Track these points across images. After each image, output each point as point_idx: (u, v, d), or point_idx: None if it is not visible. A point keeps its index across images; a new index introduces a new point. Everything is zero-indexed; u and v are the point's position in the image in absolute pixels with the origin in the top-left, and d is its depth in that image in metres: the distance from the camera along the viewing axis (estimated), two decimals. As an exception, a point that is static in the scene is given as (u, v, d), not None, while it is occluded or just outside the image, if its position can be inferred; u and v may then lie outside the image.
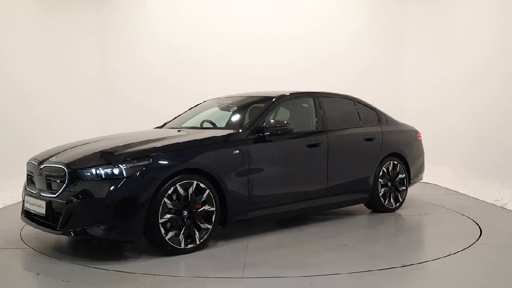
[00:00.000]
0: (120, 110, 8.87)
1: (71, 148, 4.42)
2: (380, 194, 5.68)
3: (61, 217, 3.81)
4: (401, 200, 5.91)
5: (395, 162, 5.85)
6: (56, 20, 8.53)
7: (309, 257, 4.05)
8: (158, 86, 8.89)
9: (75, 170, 3.88)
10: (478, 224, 5.19)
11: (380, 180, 5.67)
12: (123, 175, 3.81)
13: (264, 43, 8.94)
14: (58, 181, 3.98)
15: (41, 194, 4.09)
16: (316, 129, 5.23)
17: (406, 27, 9.17)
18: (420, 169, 6.37)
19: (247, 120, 4.92)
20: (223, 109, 5.57)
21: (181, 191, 3.99)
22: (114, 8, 8.98)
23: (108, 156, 3.99)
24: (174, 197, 3.97)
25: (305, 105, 5.46)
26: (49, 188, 4.07)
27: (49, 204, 3.95)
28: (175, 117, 5.83)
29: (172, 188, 3.94)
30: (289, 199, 4.88)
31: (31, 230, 4.85)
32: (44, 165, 4.17)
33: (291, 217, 5.31)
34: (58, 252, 4.14)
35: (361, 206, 5.89)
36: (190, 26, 8.91)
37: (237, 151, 4.42)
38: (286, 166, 4.84)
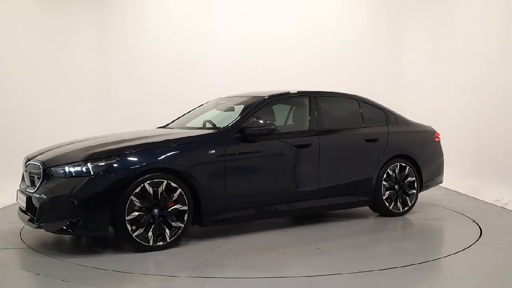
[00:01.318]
0: (120, 111, 8.86)
1: (57, 147, 4.60)
2: (384, 197, 5.44)
3: (37, 212, 4.03)
4: (410, 204, 5.63)
5: (403, 164, 5.58)
6: (56, 22, 8.52)
7: (274, 259, 3.97)
8: (159, 87, 8.87)
9: (49, 168, 4.12)
10: (478, 224, 5.19)
11: (384, 182, 5.43)
12: (90, 173, 3.97)
13: (266, 43, 8.92)
14: (36, 177, 4.21)
15: (26, 189, 4.33)
16: (309, 129, 5.11)
17: (406, 28, 9.17)
18: (437, 172, 6.03)
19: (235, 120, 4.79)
20: (224, 109, 5.48)
21: (150, 189, 4.07)
22: (114, 7, 8.97)
23: (78, 155, 4.15)
24: (145, 195, 4.05)
25: (299, 105, 5.36)
26: (32, 184, 4.29)
27: (29, 199, 4.19)
28: (179, 117, 5.81)
29: (140, 186, 4.03)
30: (272, 201, 4.80)
31: (31, 230, 4.86)
32: (29, 163, 4.42)
33: (276, 218, 5.23)
34: (58, 252, 4.13)
35: (368, 209, 5.70)
36: (191, 26, 8.90)
37: (213, 151, 4.41)
38: (268, 167, 4.75)
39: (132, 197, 4.00)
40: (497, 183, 6.73)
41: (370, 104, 5.71)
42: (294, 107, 5.46)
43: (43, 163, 4.18)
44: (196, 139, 4.50)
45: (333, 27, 9.07)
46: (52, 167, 4.11)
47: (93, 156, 4.07)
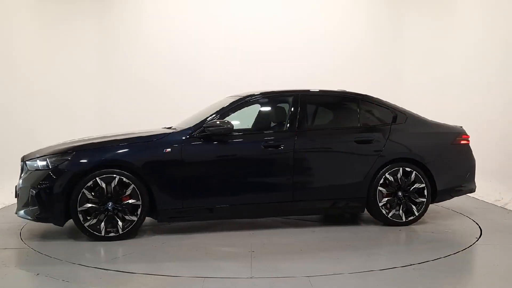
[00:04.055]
0: (120, 112, 8.85)
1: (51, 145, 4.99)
2: (381, 205, 4.98)
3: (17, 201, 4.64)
4: (416, 214, 5.04)
5: (408, 169, 5.05)
6: (55, 23, 8.52)
7: (198, 258, 3.98)
8: (159, 87, 8.85)
9: (25, 162, 4.65)
10: (478, 224, 5.19)
11: (380, 188, 4.97)
12: (49, 167, 4.41)
13: (267, 46, 8.89)
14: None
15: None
16: (287, 130, 4.94)
17: (407, 28, 9.17)
18: (463, 179, 5.34)
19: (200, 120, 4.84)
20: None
21: (102, 184, 4.38)
22: (113, 9, 8.98)
23: (45, 151, 4.63)
24: (97, 188, 4.40)
25: (282, 104, 5.22)
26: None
27: (15, 189, 4.70)
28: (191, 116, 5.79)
29: (92, 181, 4.37)
30: (233, 201, 4.74)
31: (31, 230, 4.87)
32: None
33: (243, 218, 5.19)
34: (58, 252, 4.14)
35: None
36: (192, 29, 8.89)
37: (168, 150, 4.56)
38: (229, 167, 4.74)
39: (84, 190, 4.35)
40: (497, 183, 6.74)
41: (375, 103, 5.30)
42: (276, 107, 5.31)
43: (22, 158, 4.74)
44: (152, 138, 4.69)
45: (335, 29, 9.05)
46: (26, 161, 4.63)
47: (53, 152, 4.52)
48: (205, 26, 8.91)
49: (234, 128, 4.79)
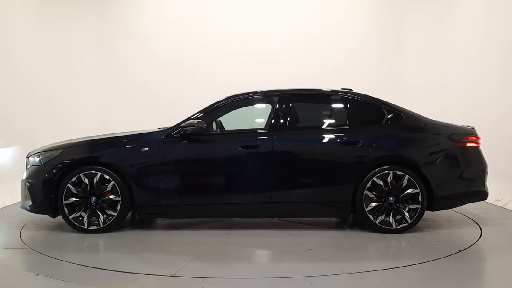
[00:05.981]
0: (119, 112, 8.86)
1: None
2: (368, 210, 4.70)
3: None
4: (409, 221, 4.69)
5: (400, 173, 4.71)
6: (57, 21, 8.53)
7: (147, 254, 4.10)
8: (159, 88, 8.88)
9: (28, 157, 5.04)
10: (478, 224, 5.19)
11: (367, 192, 4.69)
12: (40, 163, 4.81)
13: (266, 47, 8.92)
14: None
15: None
16: (266, 130, 4.87)
17: (406, 27, 9.18)
18: (470, 185, 4.89)
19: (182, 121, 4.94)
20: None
21: (85, 180, 4.69)
22: (114, 9, 8.98)
23: (41, 148, 5.02)
24: (81, 184, 4.71)
25: (263, 105, 5.21)
26: None
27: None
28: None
29: (76, 176, 4.69)
30: (210, 200, 4.79)
31: (31, 230, 4.89)
32: None
33: (219, 218, 5.27)
34: (58, 252, 4.14)
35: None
36: (193, 31, 8.93)
37: (146, 149, 4.76)
38: (206, 166, 4.81)
39: (69, 185, 4.68)
40: (497, 183, 6.73)
41: (366, 102, 5.01)
42: (259, 107, 5.34)
43: (27, 154, 5.09)
44: (131, 137, 4.89)
45: (335, 30, 9.07)
46: (29, 157, 5.02)
47: (45, 150, 4.93)
48: (206, 28, 8.93)
49: (225, 128, 4.92)
